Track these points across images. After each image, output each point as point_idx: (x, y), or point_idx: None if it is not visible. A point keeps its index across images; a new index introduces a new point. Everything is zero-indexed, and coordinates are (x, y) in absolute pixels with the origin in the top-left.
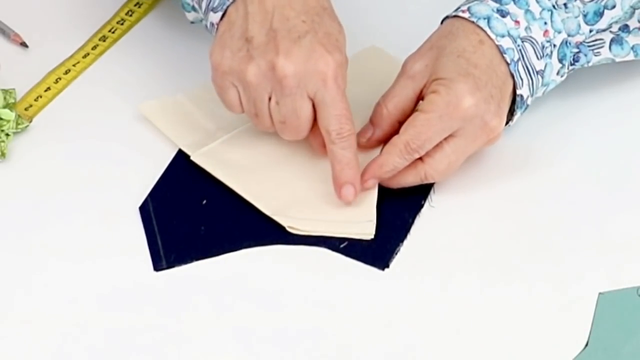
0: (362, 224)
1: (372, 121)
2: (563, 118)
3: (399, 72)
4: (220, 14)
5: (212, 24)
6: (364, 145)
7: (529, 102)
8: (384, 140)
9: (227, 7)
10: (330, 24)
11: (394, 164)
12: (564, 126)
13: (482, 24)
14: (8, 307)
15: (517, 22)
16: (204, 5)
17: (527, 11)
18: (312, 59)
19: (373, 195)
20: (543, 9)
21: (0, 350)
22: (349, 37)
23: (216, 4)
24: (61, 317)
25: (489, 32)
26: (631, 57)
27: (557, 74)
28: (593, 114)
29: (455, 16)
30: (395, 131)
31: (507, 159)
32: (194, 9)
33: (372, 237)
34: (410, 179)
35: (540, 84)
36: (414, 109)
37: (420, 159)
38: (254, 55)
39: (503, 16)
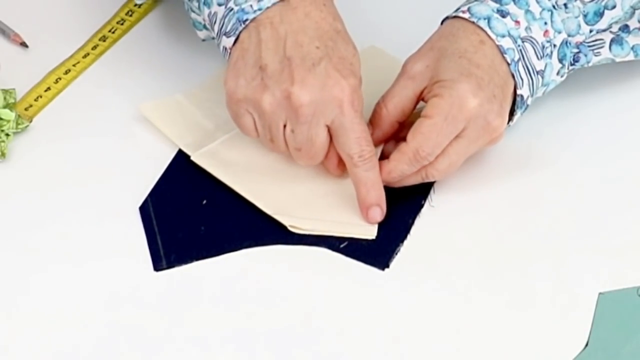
0: (365, 225)
1: (371, 121)
2: (563, 118)
3: (399, 73)
4: (233, 39)
5: (224, 49)
6: None
7: (529, 102)
8: (383, 141)
9: (240, 32)
10: (344, 47)
11: (402, 171)
12: (564, 126)
13: (483, 24)
14: (8, 307)
15: (517, 22)
16: (216, 28)
17: (527, 11)
18: (327, 86)
19: None
20: (543, 9)
21: (0, 350)
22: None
23: (229, 28)
24: (61, 317)
25: (489, 32)
26: (631, 57)
27: (557, 74)
28: (593, 114)
29: (455, 17)
30: (394, 131)
31: (507, 159)
32: (205, 27)
33: (374, 237)
34: (412, 179)
35: (540, 84)
36: (413, 109)
37: None
38: (268, 85)
39: (503, 16)
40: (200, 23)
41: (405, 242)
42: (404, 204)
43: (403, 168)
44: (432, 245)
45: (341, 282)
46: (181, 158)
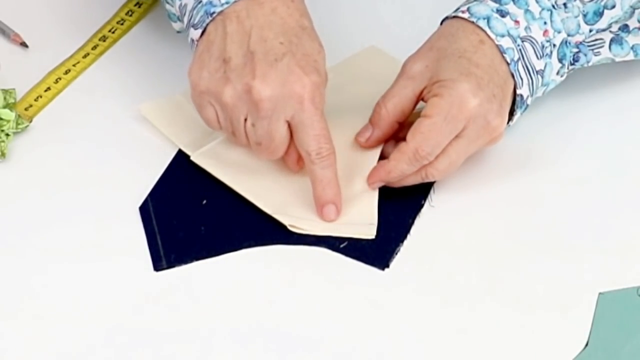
0: (364, 225)
1: (371, 121)
2: (563, 118)
3: (398, 73)
4: (200, 31)
5: (192, 40)
6: (362, 145)
7: (528, 102)
8: (383, 141)
9: (207, 24)
10: (309, 44)
11: (402, 171)
12: (564, 126)
13: (482, 24)
14: (8, 307)
15: (516, 22)
16: (185, 20)
17: (527, 11)
18: (288, 82)
19: (374, 197)
20: (543, 9)
21: (0, 350)
22: (349, 37)
23: (197, 20)
24: (61, 317)
25: (488, 32)
26: (631, 56)
27: (557, 73)
28: (593, 114)
29: (454, 17)
30: (394, 131)
31: (507, 159)
32: (179, 19)
33: (373, 237)
34: (411, 179)
35: (540, 84)
36: (413, 109)
37: None
38: (230, 78)
39: (503, 16)
40: (174, 14)
41: (405, 242)
42: (404, 204)
43: (403, 168)
44: (432, 245)
45: (341, 282)
46: (181, 158)
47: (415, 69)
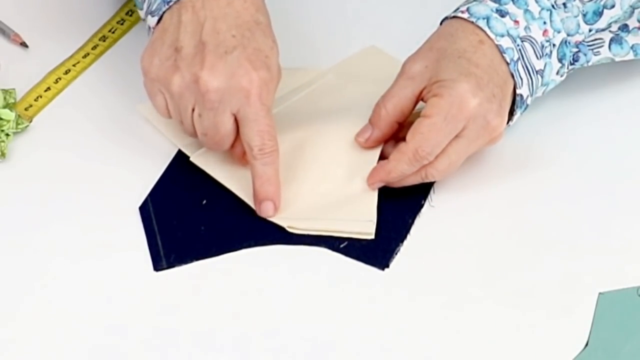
0: (363, 223)
1: (371, 121)
2: (563, 118)
3: (398, 73)
4: (156, 18)
5: (149, 28)
6: (362, 145)
7: (528, 101)
8: (382, 141)
9: (163, 12)
10: (262, 39)
11: (402, 171)
12: (563, 126)
13: (482, 24)
14: (8, 306)
15: (516, 21)
16: (145, 7)
17: (526, 11)
18: (236, 75)
19: (374, 195)
20: (542, 9)
21: (1, 351)
22: (349, 37)
23: (154, 8)
24: (61, 317)
25: (488, 32)
26: (631, 56)
27: (557, 73)
28: (593, 114)
29: (454, 17)
30: (393, 132)
31: (507, 159)
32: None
33: (372, 237)
34: (411, 179)
35: (540, 84)
36: (412, 109)
37: None
38: (180, 66)
39: (502, 16)
40: (140, 2)
41: (405, 242)
42: (404, 204)
43: (403, 168)
44: (432, 245)
45: (341, 282)
46: (181, 158)
47: (415, 69)
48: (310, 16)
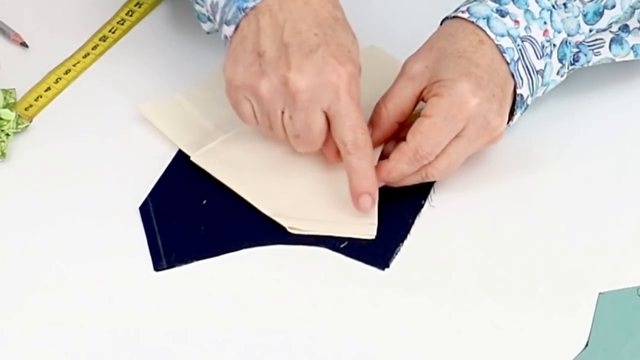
0: (364, 225)
1: (371, 122)
2: (563, 118)
3: (398, 73)
4: (233, 27)
5: (225, 37)
6: None
7: (529, 101)
8: (383, 141)
9: (240, 20)
10: (343, 35)
11: (402, 171)
12: (564, 126)
13: (482, 23)
14: (7, 306)
15: (516, 21)
16: (218, 17)
17: (527, 11)
18: (324, 72)
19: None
20: (542, 9)
21: (1, 351)
22: None
23: (229, 17)
24: (61, 317)
25: (488, 31)
26: (631, 56)
27: (557, 73)
28: (593, 114)
29: (454, 17)
30: (394, 132)
31: (507, 159)
32: (209, 19)
33: (373, 237)
34: (412, 179)
35: (540, 84)
36: (413, 109)
37: None
38: (266, 70)
39: (502, 16)
40: (204, 15)
41: (406, 242)
42: (404, 204)
43: (403, 167)
44: (432, 245)
45: (341, 282)
46: (181, 158)
47: (415, 70)
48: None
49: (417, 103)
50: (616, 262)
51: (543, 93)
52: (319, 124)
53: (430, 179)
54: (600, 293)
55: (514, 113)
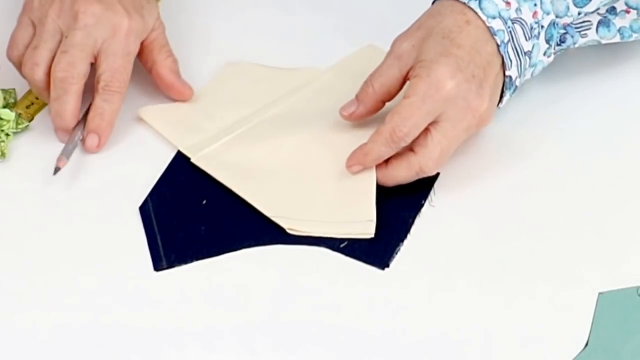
0: (363, 223)
1: (357, 97)
2: (564, 118)
3: (387, 52)
4: None
5: None
6: (345, 119)
7: (517, 83)
8: (365, 117)
9: None
10: None
11: (379, 152)
12: (565, 127)
13: (473, 5)
14: (7, 307)
15: (508, 3)
16: None
17: None
18: (110, 10)
19: (372, 194)
20: None
21: (1, 352)
22: (349, 37)
23: None
24: (60, 318)
25: (480, 13)
26: (617, 39)
27: (544, 54)
28: (595, 114)
29: None
30: (379, 109)
31: (507, 159)
32: None
33: (373, 236)
34: (404, 173)
35: (527, 65)
36: (399, 89)
37: (412, 150)
38: (62, 2)
39: None
40: None
41: (406, 241)
42: (404, 204)
43: (380, 150)
44: (432, 244)
45: (341, 282)
46: (181, 158)
47: (403, 48)
48: (311, 16)
49: (403, 82)
50: (616, 262)
51: (531, 75)
52: (85, 51)
53: (426, 172)
54: (600, 293)
55: (503, 94)
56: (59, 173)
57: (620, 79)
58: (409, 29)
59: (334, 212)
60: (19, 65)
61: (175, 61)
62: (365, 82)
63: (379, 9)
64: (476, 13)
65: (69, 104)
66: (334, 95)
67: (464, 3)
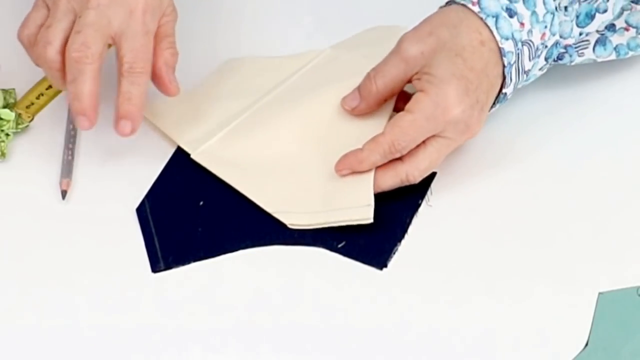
0: (361, 208)
1: (360, 93)
2: (563, 118)
3: (393, 48)
4: None
5: None
6: (347, 112)
7: (509, 96)
8: (367, 113)
9: None
10: None
11: (374, 162)
12: (563, 127)
13: (490, 22)
14: (6, 307)
15: (522, 24)
16: None
17: (533, 13)
18: None
19: (369, 180)
20: (547, 12)
21: (0, 352)
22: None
23: None
24: (59, 319)
25: (495, 32)
26: (613, 57)
27: (540, 69)
28: (594, 114)
29: (463, 4)
30: (380, 106)
31: (505, 159)
32: None
33: (371, 221)
34: (390, 182)
35: (523, 81)
36: (401, 89)
37: (400, 159)
38: None
39: (511, 16)
40: None
41: (403, 241)
42: (401, 204)
43: (375, 158)
44: (430, 244)
45: (339, 282)
46: (178, 159)
47: (411, 53)
48: (310, 15)
49: (406, 83)
50: (616, 262)
51: (521, 86)
52: (100, 31)
53: (411, 181)
54: (600, 293)
55: (494, 106)
56: (57, 173)
57: (620, 83)
58: (418, 31)
59: (332, 200)
60: (29, 45)
61: (174, 54)
62: (368, 78)
63: (381, 10)
64: (492, 32)
65: (86, 85)
66: (332, 68)
67: (482, 19)
